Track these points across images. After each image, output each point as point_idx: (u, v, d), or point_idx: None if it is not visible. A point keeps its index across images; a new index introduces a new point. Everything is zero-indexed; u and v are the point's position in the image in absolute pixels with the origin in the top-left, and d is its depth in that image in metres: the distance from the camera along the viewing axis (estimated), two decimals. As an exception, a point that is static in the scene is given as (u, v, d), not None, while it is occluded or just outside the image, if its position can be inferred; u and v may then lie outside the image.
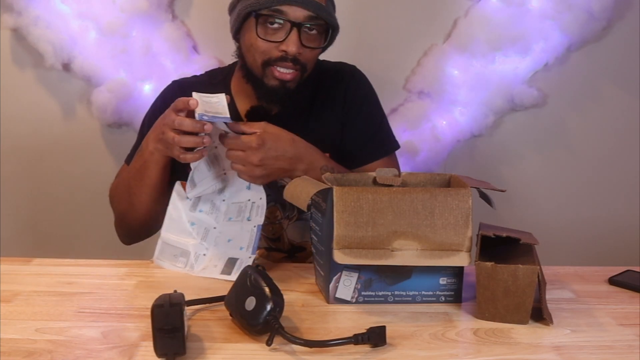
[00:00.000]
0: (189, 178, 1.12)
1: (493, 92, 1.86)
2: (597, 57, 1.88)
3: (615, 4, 1.80)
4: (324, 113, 1.29)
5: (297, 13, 1.14)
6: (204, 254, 1.12)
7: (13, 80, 1.88)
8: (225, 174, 1.14)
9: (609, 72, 1.90)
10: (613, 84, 1.91)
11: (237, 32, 1.24)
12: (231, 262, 1.09)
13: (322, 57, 1.34)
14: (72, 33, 1.81)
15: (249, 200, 1.13)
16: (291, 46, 1.14)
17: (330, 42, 1.26)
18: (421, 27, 1.87)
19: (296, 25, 1.14)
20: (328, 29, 1.21)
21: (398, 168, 1.30)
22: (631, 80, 1.90)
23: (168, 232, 1.14)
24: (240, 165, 1.08)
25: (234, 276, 0.98)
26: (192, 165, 1.10)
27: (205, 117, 1.02)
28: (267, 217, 1.28)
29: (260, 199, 1.12)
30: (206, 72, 1.42)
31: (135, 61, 1.82)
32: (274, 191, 1.26)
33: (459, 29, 1.85)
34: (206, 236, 1.14)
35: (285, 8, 1.14)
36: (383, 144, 1.32)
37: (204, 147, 1.05)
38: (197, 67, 1.82)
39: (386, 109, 1.86)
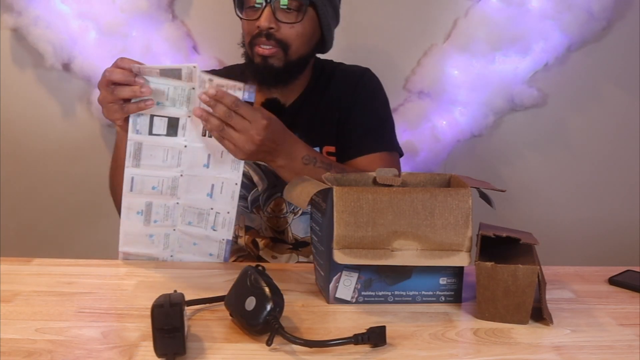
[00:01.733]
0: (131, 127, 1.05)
1: (493, 92, 1.87)
2: (597, 57, 1.88)
3: (615, 4, 1.80)
4: (333, 108, 1.30)
5: None
6: (171, 256, 1.14)
7: (13, 80, 1.88)
8: (185, 147, 1.07)
9: (609, 72, 1.90)
10: (613, 84, 1.91)
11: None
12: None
13: (338, 59, 1.36)
14: (72, 33, 1.81)
15: (212, 209, 1.10)
16: (262, 21, 1.19)
17: (326, 31, 1.27)
18: (421, 27, 1.88)
19: (268, 2, 1.18)
20: (307, 4, 1.22)
21: (399, 170, 1.30)
22: (631, 80, 1.90)
23: (126, 246, 1.12)
24: (236, 134, 1.04)
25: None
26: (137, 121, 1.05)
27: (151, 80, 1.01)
28: (272, 210, 1.28)
29: (228, 213, 1.10)
30: (224, 67, 1.45)
31: (135, 61, 1.82)
32: (280, 183, 1.27)
33: (459, 29, 1.85)
34: (168, 241, 1.13)
35: None
36: (382, 140, 1.32)
37: (144, 99, 1.02)
38: (197, 67, 1.82)
39: (386, 109, 1.89)
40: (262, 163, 1.27)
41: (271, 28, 1.19)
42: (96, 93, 1.82)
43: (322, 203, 0.94)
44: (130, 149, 1.06)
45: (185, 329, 0.77)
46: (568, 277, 1.08)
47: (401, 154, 1.35)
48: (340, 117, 1.30)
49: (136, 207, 1.10)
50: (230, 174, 1.09)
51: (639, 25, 1.86)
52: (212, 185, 1.09)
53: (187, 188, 1.09)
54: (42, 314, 0.89)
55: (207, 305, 0.92)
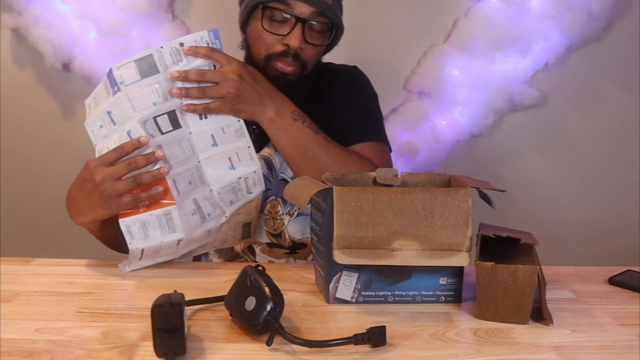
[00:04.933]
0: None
1: (493, 92, 1.87)
2: (597, 57, 1.88)
3: (615, 4, 1.80)
4: (322, 106, 1.30)
5: (303, 9, 1.17)
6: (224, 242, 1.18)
7: (13, 80, 1.89)
8: (190, 133, 1.09)
9: (609, 72, 1.90)
10: (613, 84, 1.91)
11: (245, 24, 1.26)
12: (247, 226, 1.13)
13: (329, 59, 1.36)
14: (72, 33, 1.81)
15: (240, 178, 1.13)
16: (294, 40, 1.17)
17: (333, 43, 1.29)
18: (421, 27, 1.88)
19: (301, 20, 1.17)
20: (332, 28, 1.23)
21: (390, 163, 1.29)
22: (631, 80, 1.90)
23: (185, 247, 1.12)
24: (216, 88, 1.06)
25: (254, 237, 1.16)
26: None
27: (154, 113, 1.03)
28: (268, 212, 1.28)
29: (254, 172, 1.13)
30: None
31: (135, 61, 1.82)
32: (275, 185, 1.27)
33: (459, 29, 1.85)
34: (221, 228, 1.15)
35: (292, 2, 1.16)
36: (371, 130, 1.30)
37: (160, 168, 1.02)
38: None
39: (386, 109, 1.89)
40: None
41: (300, 49, 1.19)
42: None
43: (322, 203, 0.94)
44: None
45: (185, 329, 0.77)
46: (568, 277, 1.08)
47: (390, 149, 1.34)
48: (330, 114, 1.30)
49: (189, 210, 1.09)
50: (239, 143, 1.12)
51: (639, 25, 1.86)
52: (229, 159, 1.11)
53: (209, 172, 1.11)
54: (42, 314, 0.89)
55: (207, 305, 0.92)
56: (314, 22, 1.19)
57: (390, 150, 1.34)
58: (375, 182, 1.01)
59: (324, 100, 1.31)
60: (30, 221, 1.98)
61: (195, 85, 1.06)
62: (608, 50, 1.87)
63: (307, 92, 1.31)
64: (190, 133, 1.08)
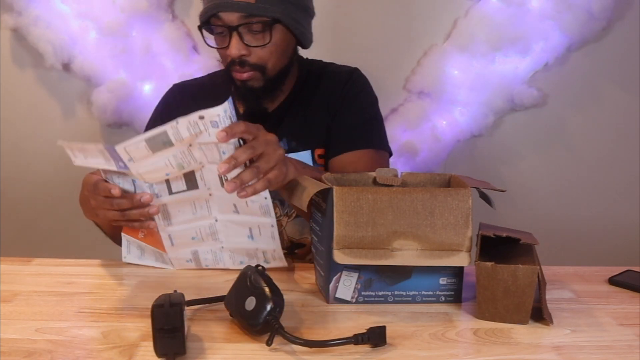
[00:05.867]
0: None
1: (493, 92, 1.87)
2: (597, 57, 1.88)
3: (615, 4, 1.80)
4: (320, 110, 1.29)
5: (230, 17, 1.15)
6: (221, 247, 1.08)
7: (13, 80, 1.89)
8: (211, 195, 1.01)
9: (609, 72, 1.90)
10: (613, 84, 1.91)
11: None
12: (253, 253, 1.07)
13: (329, 60, 1.35)
14: (72, 33, 1.81)
15: (257, 249, 1.06)
16: (232, 50, 1.16)
17: (299, 31, 1.22)
18: (421, 27, 1.88)
19: (233, 29, 1.16)
20: (272, 23, 1.18)
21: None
22: (631, 80, 1.90)
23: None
24: (265, 165, 0.94)
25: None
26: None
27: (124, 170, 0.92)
28: None
29: (274, 250, 1.05)
30: (207, 75, 1.42)
31: (135, 61, 1.82)
32: (272, 191, 1.26)
33: (459, 29, 1.85)
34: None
35: (221, 14, 1.15)
36: (369, 137, 1.29)
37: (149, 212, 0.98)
38: (197, 67, 1.82)
39: (386, 109, 1.89)
40: None
41: (243, 55, 1.17)
42: (96, 93, 1.85)
43: (322, 203, 0.94)
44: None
45: (185, 329, 0.77)
46: (568, 277, 1.08)
47: (390, 154, 1.33)
48: (329, 118, 1.29)
49: (184, 257, 1.08)
50: (263, 219, 1.03)
51: (639, 25, 1.86)
52: (250, 229, 1.04)
53: (226, 232, 1.05)
54: (42, 314, 0.89)
55: (207, 305, 0.92)
56: (248, 25, 1.16)
57: (391, 154, 1.33)
58: (375, 182, 1.01)
59: (324, 102, 1.29)
60: (30, 221, 1.98)
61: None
62: (608, 50, 1.87)
63: (298, 89, 1.29)
64: (210, 195, 1.00)
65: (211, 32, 1.21)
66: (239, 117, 1.27)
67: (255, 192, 0.93)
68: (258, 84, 1.21)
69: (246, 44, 1.17)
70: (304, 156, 1.28)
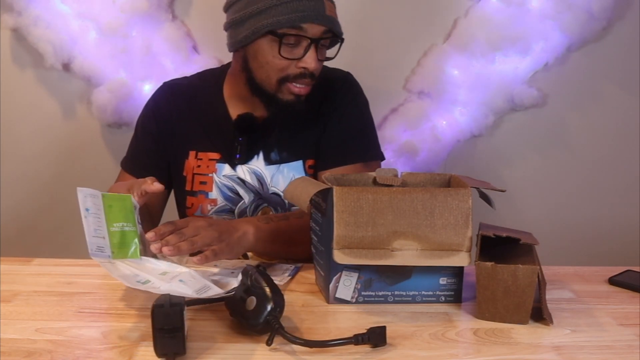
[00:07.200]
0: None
1: (493, 92, 1.87)
2: (597, 57, 1.88)
3: (615, 4, 1.80)
4: (311, 120, 1.28)
5: (314, 30, 1.16)
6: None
7: (13, 80, 1.88)
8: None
9: (609, 72, 1.90)
10: (613, 84, 1.91)
11: (242, 46, 1.21)
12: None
13: (337, 59, 1.34)
14: (72, 33, 1.81)
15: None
16: (311, 62, 1.16)
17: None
18: (421, 27, 1.88)
19: (315, 41, 1.16)
20: (337, 41, 1.22)
21: None
22: (631, 80, 1.90)
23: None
24: (207, 240, 1.00)
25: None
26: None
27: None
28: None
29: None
30: (197, 74, 1.40)
31: (135, 61, 1.82)
32: (266, 198, 1.27)
33: (459, 29, 1.85)
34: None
35: (304, 25, 1.15)
36: (360, 149, 1.29)
37: None
38: (197, 67, 1.81)
39: (386, 109, 1.89)
40: (246, 179, 1.27)
41: (316, 69, 1.18)
42: (96, 93, 1.84)
43: (322, 203, 0.94)
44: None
45: (185, 329, 0.77)
46: (568, 277, 1.08)
47: (382, 159, 1.32)
48: (320, 128, 1.28)
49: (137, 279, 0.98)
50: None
51: (639, 25, 1.86)
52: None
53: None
54: (42, 314, 0.89)
55: (207, 305, 0.92)
56: (325, 40, 1.18)
57: (383, 159, 1.32)
58: (375, 182, 1.01)
59: (314, 111, 1.28)
60: (30, 221, 1.98)
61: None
62: (608, 50, 1.87)
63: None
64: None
65: (278, 40, 1.15)
66: (231, 124, 1.27)
67: (180, 251, 0.96)
68: (304, 99, 1.22)
69: (319, 58, 1.18)
70: (296, 167, 1.27)
